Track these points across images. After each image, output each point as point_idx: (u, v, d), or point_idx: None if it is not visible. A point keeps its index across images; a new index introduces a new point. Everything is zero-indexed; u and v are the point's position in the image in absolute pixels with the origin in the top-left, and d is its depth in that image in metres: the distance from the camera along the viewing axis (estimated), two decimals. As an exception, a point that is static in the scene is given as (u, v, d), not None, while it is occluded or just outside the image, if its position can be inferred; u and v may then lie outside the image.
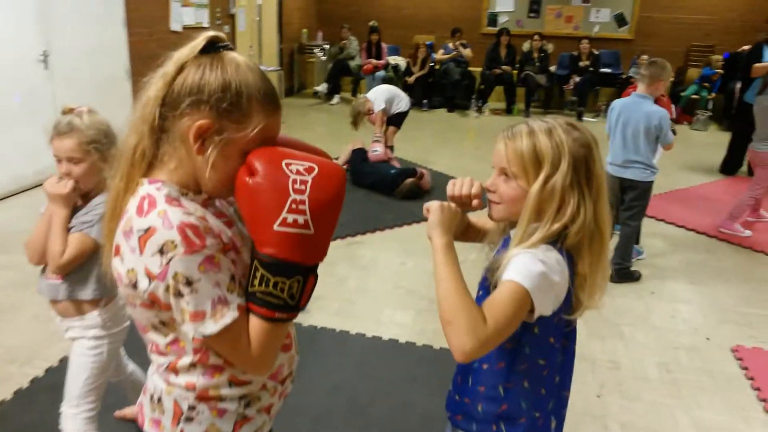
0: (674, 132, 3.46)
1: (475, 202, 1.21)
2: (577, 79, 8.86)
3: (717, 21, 9.42)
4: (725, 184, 5.75)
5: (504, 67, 9.06)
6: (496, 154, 1.18)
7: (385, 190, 4.99)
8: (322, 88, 9.45)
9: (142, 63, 6.05)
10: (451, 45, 9.40)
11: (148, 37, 6.11)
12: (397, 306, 3.22)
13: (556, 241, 1.11)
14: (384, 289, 3.43)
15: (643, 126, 3.30)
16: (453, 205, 1.22)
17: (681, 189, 5.50)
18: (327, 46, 10.08)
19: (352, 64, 9.52)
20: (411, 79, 9.31)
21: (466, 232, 1.35)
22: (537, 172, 1.11)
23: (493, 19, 10.23)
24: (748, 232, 4.36)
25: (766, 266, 3.90)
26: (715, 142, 7.19)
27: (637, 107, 3.32)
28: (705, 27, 9.47)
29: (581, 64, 8.94)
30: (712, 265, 3.90)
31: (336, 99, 9.36)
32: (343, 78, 9.70)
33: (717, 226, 4.48)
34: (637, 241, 3.86)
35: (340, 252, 3.88)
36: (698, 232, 4.44)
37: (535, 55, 9.11)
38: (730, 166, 6.01)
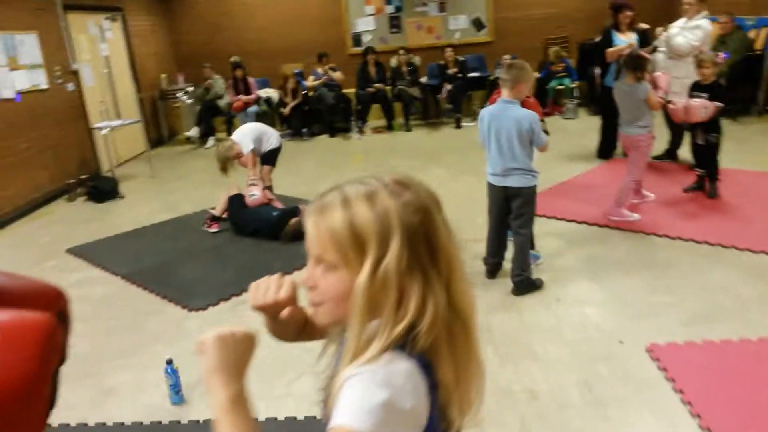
0: (546, 132, 3.37)
1: (285, 312, 0.90)
2: (449, 86, 8.92)
3: (565, 13, 9.87)
4: (605, 169, 5.88)
5: (376, 85, 8.95)
6: (308, 236, 0.86)
7: (271, 235, 4.62)
8: (194, 132, 8.89)
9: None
10: (320, 70, 9.17)
11: (-29, 110, 5.37)
12: (292, 374, 2.85)
13: (404, 344, 0.80)
14: (276, 356, 3.05)
15: (515, 132, 3.17)
16: (242, 332, 0.90)
17: (565, 181, 5.53)
18: (191, 89, 9.53)
19: (221, 103, 9.04)
20: (286, 110, 8.98)
21: (303, 331, 1.03)
22: (361, 258, 0.81)
23: (357, 40, 10.13)
24: (636, 216, 4.39)
25: (660, 248, 3.91)
26: (588, 127, 7.41)
27: (505, 113, 3.19)
28: (555, 20, 9.88)
29: (449, 71, 9.01)
30: (609, 256, 3.85)
31: (211, 141, 8.83)
32: (216, 119, 9.21)
33: (605, 214, 4.49)
34: (532, 246, 3.74)
35: (222, 320, 3.45)
36: (589, 224, 4.43)
37: (404, 69, 9.08)
38: (605, 150, 6.16)
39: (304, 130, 9.01)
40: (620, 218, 4.38)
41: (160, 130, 9.54)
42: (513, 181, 3.29)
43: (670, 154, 5.86)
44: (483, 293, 3.48)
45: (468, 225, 4.53)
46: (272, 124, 9.41)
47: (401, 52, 9.10)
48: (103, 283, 4.11)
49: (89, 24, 7.76)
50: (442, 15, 9.94)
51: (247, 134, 5.09)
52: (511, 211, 3.39)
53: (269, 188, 5.32)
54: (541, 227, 4.31)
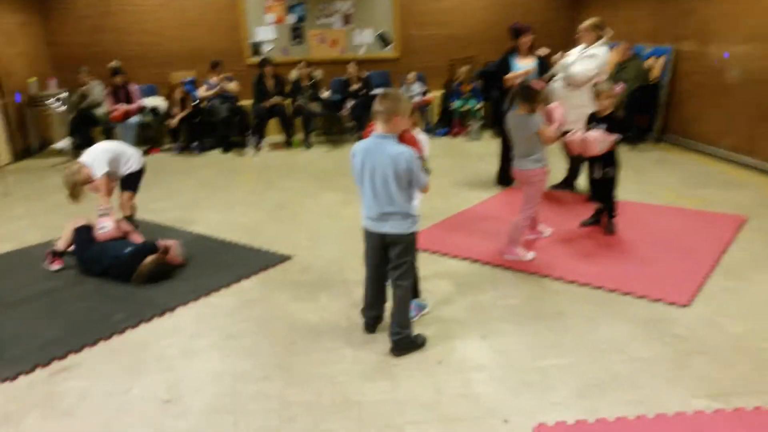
0: (427, 171, 2.94)
1: None
2: (352, 102, 8.48)
3: (471, 34, 9.71)
4: (503, 198, 5.60)
5: (274, 98, 8.36)
6: None
7: (123, 276, 3.93)
8: (65, 143, 7.91)
9: None
10: (214, 80, 8.47)
11: None
12: None
13: None
14: None
15: (392, 171, 2.72)
16: None
17: (460, 212, 5.19)
18: (64, 95, 8.53)
19: (99, 112, 8.13)
20: (173, 122, 8.20)
21: None
22: None
23: (256, 49, 9.51)
24: (530, 255, 4.08)
25: (554, 295, 3.59)
26: (490, 151, 7.17)
27: (380, 150, 2.73)
28: (461, 40, 9.70)
29: (352, 87, 8.57)
30: (500, 304, 3.48)
31: (85, 155, 7.89)
32: (94, 128, 8.27)
33: (500, 252, 4.15)
34: (416, 294, 3.31)
35: (34, 393, 2.76)
36: (482, 263, 4.07)
37: (305, 83, 8.56)
38: (504, 177, 5.90)
39: (195, 143, 8.27)
40: (514, 257, 4.05)
41: (27, 140, 8.46)
42: (390, 227, 2.84)
43: (567, 183, 5.67)
44: (358, 352, 3.00)
45: (353, 261, 4.06)
46: (158, 136, 8.63)
47: (302, 64, 8.57)
48: None
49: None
50: (346, 28, 9.51)
51: (100, 155, 4.38)
52: (390, 260, 2.94)
53: (130, 218, 4.62)
54: (429, 267, 3.92)
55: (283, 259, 4.26)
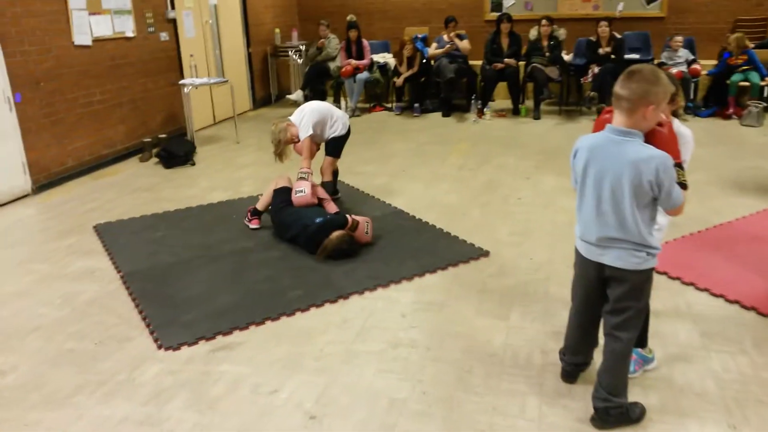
0: (684, 184, 2.00)
1: None
2: (597, 69, 7.29)
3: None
4: (788, 211, 4.19)
5: (507, 60, 7.58)
6: None
7: (308, 247, 3.71)
8: (297, 96, 8.17)
9: (34, 87, 4.94)
10: (445, 37, 7.97)
11: (38, 56, 4.99)
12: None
13: None
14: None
15: (629, 183, 1.89)
16: None
17: (720, 225, 3.98)
18: (303, 47, 8.81)
19: (332, 65, 8.22)
20: (399, 81, 7.95)
21: None
22: None
23: (498, 3, 8.74)
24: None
25: None
26: (774, 143, 5.57)
27: (615, 151, 1.91)
28: (755, -5, 7.72)
29: (601, 51, 7.36)
30: (766, 377, 2.44)
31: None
32: (327, 82, 8.45)
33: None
34: (641, 342, 2.45)
35: (190, 371, 2.61)
36: (746, 307, 2.96)
37: (545, 43, 7.59)
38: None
39: (416, 105, 7.93)
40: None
41: (268, 89, 8.98)
42: (613, 259, 2.03)
43: None
44: (546, 408, 2.30)
45: (564, 270, 3.29)
46: (384, 94, 8.48)
47: (544, 22, 7.59)
48: (99, 281, 3.48)
49: (198, -31, 7.22)
50: (604, -20, 8.20)
51: (308, 116, 4.17)
52: (607, 300, 2.14)
53: (328, 185, 4.38)
54: (665, 299, 2.98)
55: (479, 254, 3.64)
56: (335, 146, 4.35)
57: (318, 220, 3.75)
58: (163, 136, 6.20)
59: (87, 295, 3.31)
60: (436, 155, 5.96)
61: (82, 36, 5.37)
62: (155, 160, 5.92)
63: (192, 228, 4.21)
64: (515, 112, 7.71)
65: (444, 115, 7.75)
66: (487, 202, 4.57)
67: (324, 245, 3.60)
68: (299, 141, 4.16)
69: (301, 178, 4.00)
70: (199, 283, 3.38)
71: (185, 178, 5.45)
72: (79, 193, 5.10)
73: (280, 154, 4.21)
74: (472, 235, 3.92)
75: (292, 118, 4.25)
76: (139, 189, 5.16)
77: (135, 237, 4.07)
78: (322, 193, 4.13)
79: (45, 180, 5.13)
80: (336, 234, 3.62)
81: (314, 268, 3.53)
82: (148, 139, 6.06)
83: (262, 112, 8.46)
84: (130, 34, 5.97)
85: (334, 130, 4.28)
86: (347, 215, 3.77)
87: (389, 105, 8.34)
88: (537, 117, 7.44)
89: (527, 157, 5.78)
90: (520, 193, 4.76)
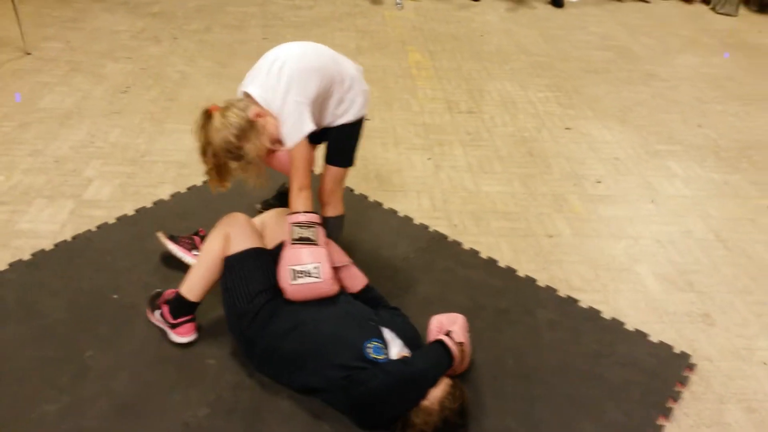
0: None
1: None
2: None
3: None
4: None
5: None
6: None
7: (361, 417, 1.65)
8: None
9: None
10: None
11: None
12: None
13: None
14: None
15: None
16: None
17: None
18: None
19: None
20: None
21: None
22: None
23: None
24: None
25: None
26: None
27: None
28: None
29: None
30: None
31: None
32: None
33: None
34: None
35: None
36: None
37: None
38: None
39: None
40: None
41: None
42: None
43: None
44: None
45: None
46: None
47: None
48: None
49: None
50: None
51: (298, 85, 1.79)
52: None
53: (338, 223, 2.16)
54: None
55: (677, 368, 1.93)
56: (347, 142, 2.05)
57: (376, 354, 1.65)
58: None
59: None
60: (393, 80, 3.81)
61: None
62: None
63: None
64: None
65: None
66: (561, 197, 2.76)
67: (411, 421, 1.58)
68: (281, 148, 1.83)
69: (304, 241, 1.76)
70: None
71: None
72: None
73: (219, 173, 1.85)
74: (595, 296, 2.15)
75: (255, 92, 1.83)
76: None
77: None
78: (338, 255, 1.94)
79: None
80: (438, 396, 1.60)
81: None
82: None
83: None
84: None
85: (346, 109, 1.98)
86: (444, 337, 1.72)
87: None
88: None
89: (526, 77, 3.94)
90: (590, 168, 3.01)
